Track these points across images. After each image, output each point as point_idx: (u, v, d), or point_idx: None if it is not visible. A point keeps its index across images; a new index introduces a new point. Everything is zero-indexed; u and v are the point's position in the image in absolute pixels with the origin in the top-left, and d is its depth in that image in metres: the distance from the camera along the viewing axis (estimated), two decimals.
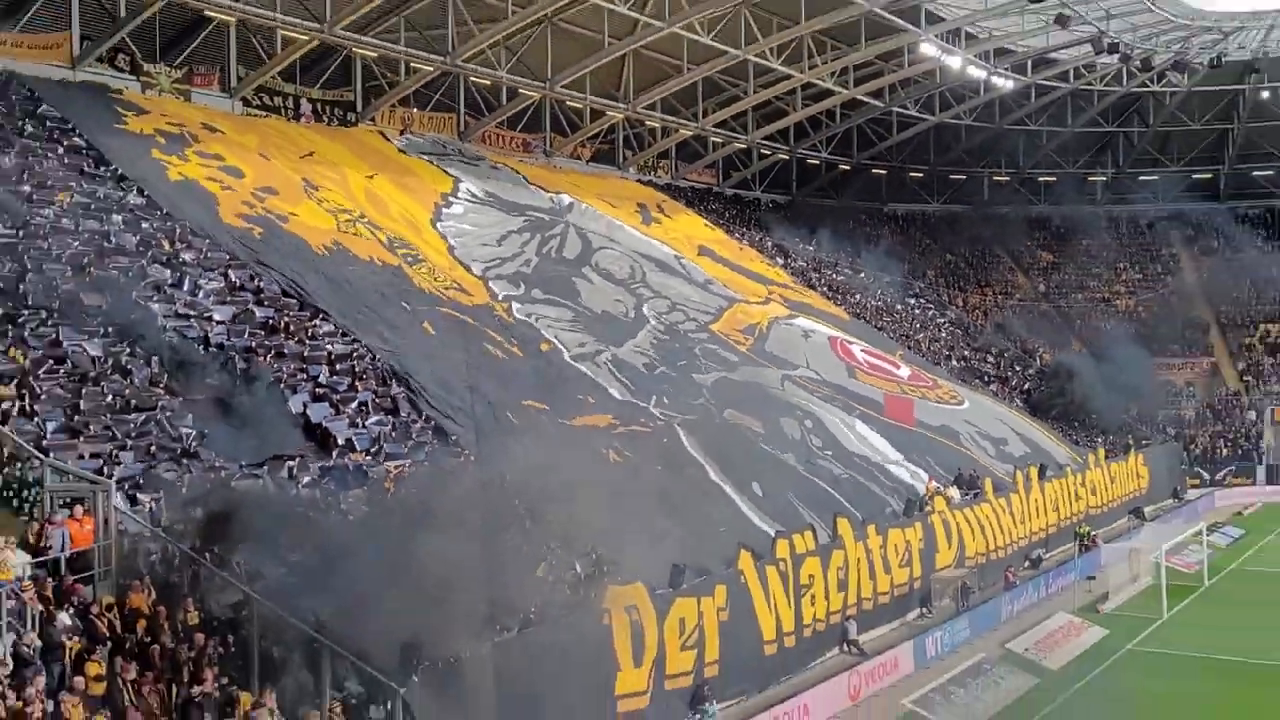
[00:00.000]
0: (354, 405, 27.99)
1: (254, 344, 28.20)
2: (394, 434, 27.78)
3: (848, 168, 69.46)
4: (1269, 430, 59.39)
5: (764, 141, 62.54)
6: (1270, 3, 55.73)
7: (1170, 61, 61.97)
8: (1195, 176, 71.22)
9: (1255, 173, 70.92)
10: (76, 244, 27.97)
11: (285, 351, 28.65)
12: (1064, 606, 35.17)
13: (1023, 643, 31.29)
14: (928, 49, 51.35)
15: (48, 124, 32.74)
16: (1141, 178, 70.50)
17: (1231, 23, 60.17)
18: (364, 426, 27.33)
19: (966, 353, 60.90)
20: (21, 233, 26.96)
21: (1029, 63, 59.08)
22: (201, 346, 26.90)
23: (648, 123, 56.01)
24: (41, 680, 14.69)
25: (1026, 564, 38.21)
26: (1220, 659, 30.43)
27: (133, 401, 23.54)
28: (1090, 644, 31.96)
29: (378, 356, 30.69)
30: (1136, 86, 63.95)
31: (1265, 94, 64.33)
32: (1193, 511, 49.09)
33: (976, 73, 55.40)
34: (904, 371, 48.46)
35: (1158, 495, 50.92)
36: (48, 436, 20.69)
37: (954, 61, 52.93)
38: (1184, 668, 29.82)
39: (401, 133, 46.55)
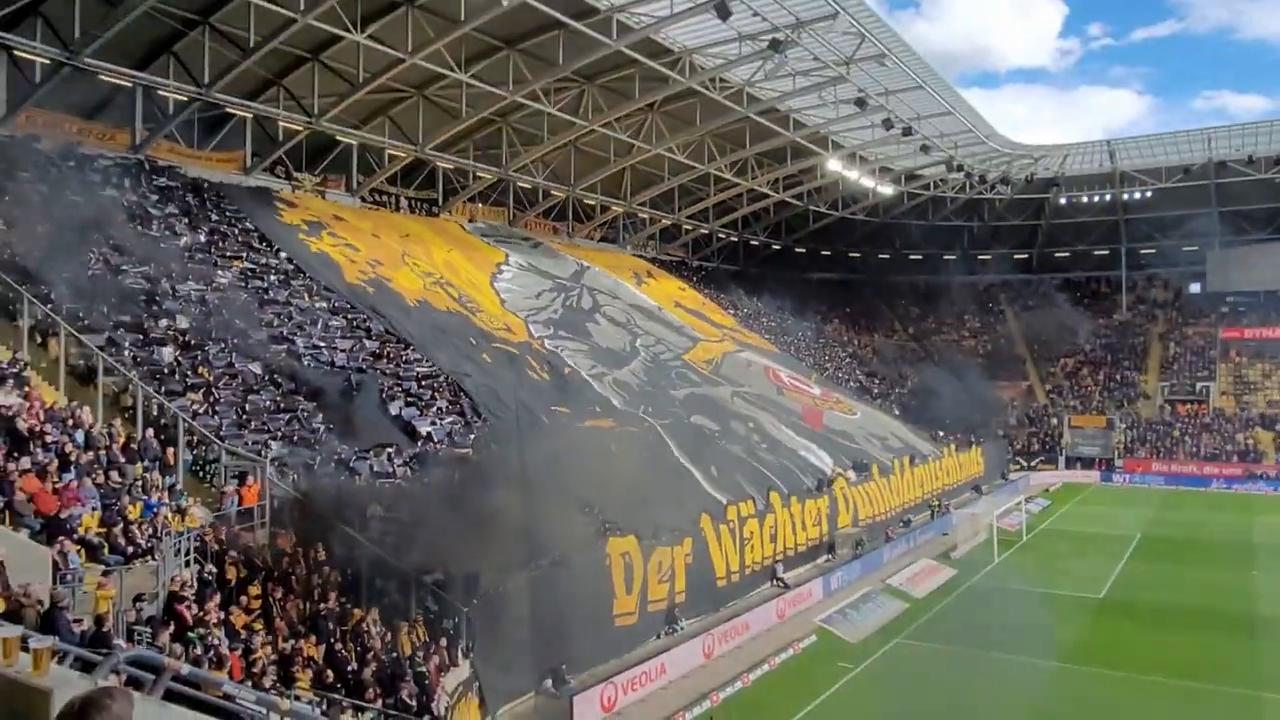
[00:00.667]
0: (434, 409, 28.08)
1: (364, 366, 28.31)
2: (461, 430, 27.85)
3: (779, 247, 69.70)
4: (1067, 432, 59.62)
5: (721, 228, 62.74)
6: (1065, 139, 56.22)
7: (999, 178, 62.54)
8: (1016, 256, 71.59)
9: (1056, 255, 71.32)
10: (245, 296, 28.11)
11: (386, 372, 28.75)
12: (927, 554, 35.36)
13: (898, 579, 31.46)
14: (833, 166, 51.64)
15: (227, 213, 32.85)
16: (980, 256, 70.60)
17: (1039, 152, 60.82)
18: (440, 424, 27.40)
19: (861, 377, 61.10)
20: (209, 287, 27.10)
21: (903, 176, 59.49)
22: (328, 367, 27.02)
23: (640, 214, 56.19)
24: (218, 597, 14.74)
25: (901, 524, 38.32)
26: (1031, 590, 30.59)
27: (281, 405, 23.65)
28: (945, 580, 32.17)
29: (450, 375, 30.80)
30: (975, 194, 64.36)
31: (1062, 200, 64.79)
32: (1015, 488, 49.20)
33: (867, 183, 55.75)
34: (816, 391, 48.59)
35: (991, 476, 51.17)
36: (223, 429, 20.76)
37: (852, 174, 53.24)
38: (1008, 596, 29.93)
39: (470, 221, 46.70)
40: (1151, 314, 68.30)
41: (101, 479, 16.14)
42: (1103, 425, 59.13)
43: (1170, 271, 67.91)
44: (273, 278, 30.60)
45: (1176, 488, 52.62)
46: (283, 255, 32.37)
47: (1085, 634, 25.77)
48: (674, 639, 23.44)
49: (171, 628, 13.17)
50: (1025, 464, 56.99)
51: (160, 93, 32.06)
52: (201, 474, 18.93)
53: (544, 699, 19.25)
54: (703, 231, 62.26)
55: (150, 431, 18.50)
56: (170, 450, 18.28)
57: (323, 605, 16.53)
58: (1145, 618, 26.86)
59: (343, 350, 28.53)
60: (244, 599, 15.70)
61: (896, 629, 26.42)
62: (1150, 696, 20.66)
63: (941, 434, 51.41)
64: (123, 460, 17.14)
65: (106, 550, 14.61)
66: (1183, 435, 57.30)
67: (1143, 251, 68.67)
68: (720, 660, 23.05)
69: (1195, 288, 66.85)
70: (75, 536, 14.22)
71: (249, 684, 12.80)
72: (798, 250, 70.65)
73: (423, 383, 29.41)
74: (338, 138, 38.41)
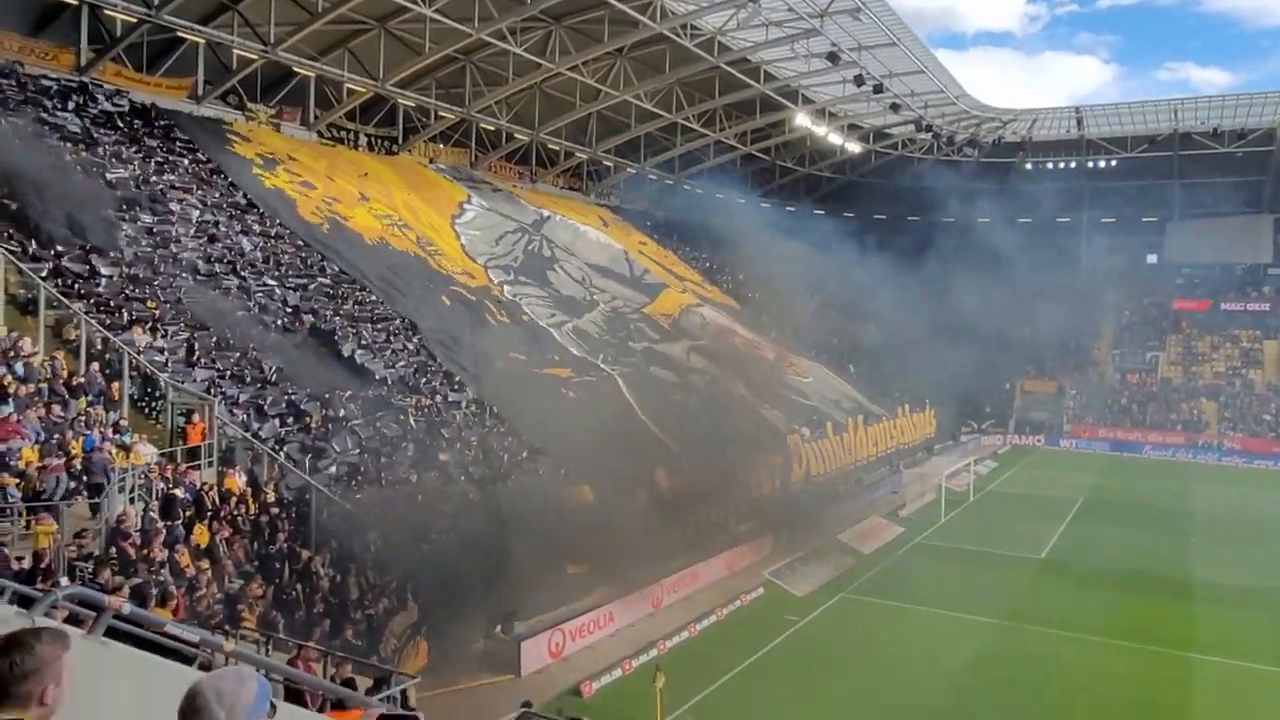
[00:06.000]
0: (388, 352, 27.87)
1: (318, 306, 27.96)
2: (416, 374, 27.69)
3: (743, 200, 69.43)
4: (1019, 396, 60.84)
5: (686, 180, 62.34)
6: (1033, 103, 56.41)
7: (967, 140, 62.72)
8: (980, 220, 71.78)
9: (1019, 220, 71.51)
10: (195, 229, 27.45)
11: (340, 313, 28.41)
12: (876, 511, 35.97)
13: (847, 535, 31.96)
14: (802, 121, 51.50)
15: (178, 144, 31.75)
16: (944, 220, 70.90)
17: (1008, 115, 61.12)
18: (395, 368, 27.22)
19: (821, 335, 61.21)
20: (157, 219, 26.38)
21: (871, 134, 59.51)
22: (281, 305, 26.62)
23: (604, 162, 55.57)
24: (163, 536, 14.61)
25: (853, 481, 38.84)
26: (975, 549, 31.44)
27: (232, 341, 23.28)
28: (893, 537, 32.83)
29: (406, 318, 30.49)
30: (943, 156, 64.56)
31: (1028, 165, 65.23)
32: (964, 449, 50.31)
33: (835, 139, 55.70)
34: (770, 356, 48.19)
35: (942, 437, 51.99)
36: (170, 366, 20.40)
37: (820, 130, 53.17)
38: (953, 555, 30.74)
39: (430, 161, 45.79)
40: (1109, 282, 69.32)
41: (42, 413, 15.81)
42: (1053, 391, 60.36)
43: (1129, 241, 68.89)
44: (224, 213, 29.84)
45: (1121, 454, 54.02)
46: (236, 189, 31.45)
47: (1025, 592, 26.57)
48: (623, 587, 23.66)
49: (114, 565, 13.04)
50: (976, 426, 57.97)
51: (107, 12, 30.81)
52: (148, 410, 18.64)
53: (493, 644, 19.44)
54: (668, 183, 61.82)
55: (94, 365, 18.13)
56: (115, 385, 17.94)
57: (271, 546, 16.49)
58: (1084, 579, 27.65)
59: (295, 289, 28.06)
60: (191, 538, 15.59)
61: (843, 584, 26.97)
62: (1086, 654, 21.41)
63: (896, 393, 51.77)
64: (66, 394, 16.79)
65: None
66: (1130, 403, 58.71)
67: (1103, 220, 69.55)
68: (668, 610, 23.39)
69: (1152, 258, 68.10)
70: (14, 470, 13.96)
71: (194, 623, 12.78)
72: (762, 205, 70.43)
73: (378, 325, 29.11)
74: (295, 69, 37.21)
